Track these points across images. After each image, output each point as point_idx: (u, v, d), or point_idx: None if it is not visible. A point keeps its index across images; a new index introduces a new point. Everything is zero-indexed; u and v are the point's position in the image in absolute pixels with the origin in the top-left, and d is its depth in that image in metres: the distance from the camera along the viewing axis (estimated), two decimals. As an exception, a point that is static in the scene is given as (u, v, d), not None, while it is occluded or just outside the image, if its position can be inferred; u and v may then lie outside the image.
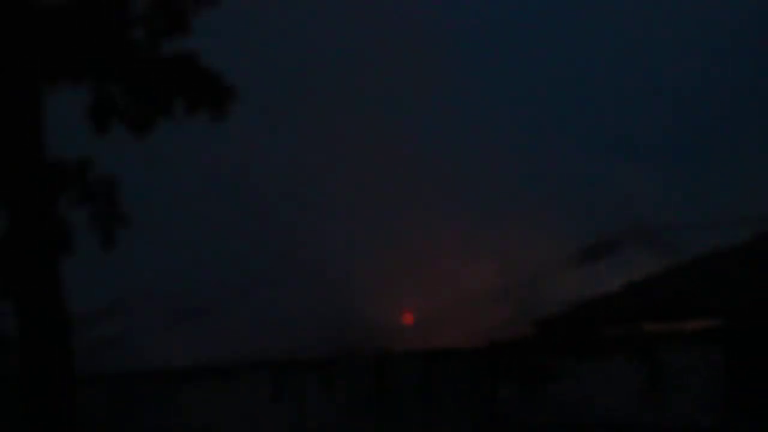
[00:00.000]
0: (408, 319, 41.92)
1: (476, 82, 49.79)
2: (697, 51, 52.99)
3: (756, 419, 25.92)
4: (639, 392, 27.65)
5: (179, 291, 39.76)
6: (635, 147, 52.61)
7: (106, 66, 15.17)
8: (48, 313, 15.24)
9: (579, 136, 49.37)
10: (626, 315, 28.69)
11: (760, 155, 48.65)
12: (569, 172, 46.60)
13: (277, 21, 46.81)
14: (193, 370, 35.05)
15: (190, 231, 42.58)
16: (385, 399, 32.39)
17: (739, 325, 26.23)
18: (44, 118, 15.32)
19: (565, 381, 28.89)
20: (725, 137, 50.02)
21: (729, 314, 26.58)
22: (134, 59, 15.22)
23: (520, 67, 51.36)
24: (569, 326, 30.03)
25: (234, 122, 15.80)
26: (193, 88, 15.26)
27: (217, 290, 40.11)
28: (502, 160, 46.89)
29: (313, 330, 36.96)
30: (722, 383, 26.31)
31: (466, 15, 51.04)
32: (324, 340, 35.88)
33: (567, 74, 53.59)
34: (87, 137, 15.47)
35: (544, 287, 38.23)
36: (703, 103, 51.92)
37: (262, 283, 40.29)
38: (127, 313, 39.59)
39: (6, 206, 15.42)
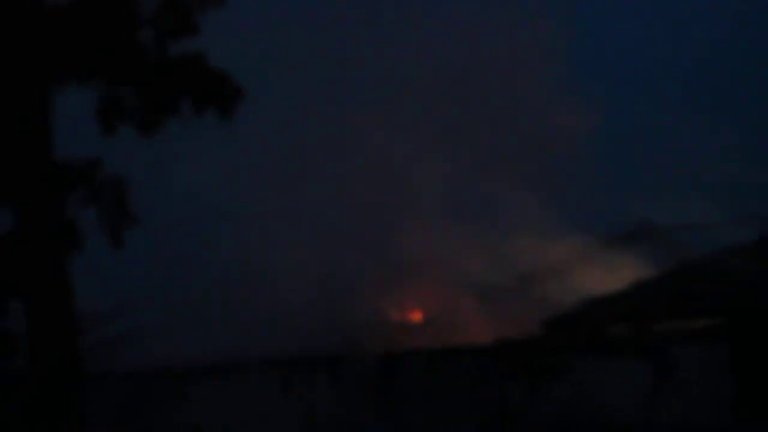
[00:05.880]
0: (416, 316, 41.86)
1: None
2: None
3: (763, 418, 25.94)
4: (646, 391, 27.66)
5: (186, 289, 39.75)
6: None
7: (114, 67, 15.20)
8: (57, 311, 15.27)
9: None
10: (634, 314, 28.74)
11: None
12: (578, 169, 46.51)
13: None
14: (202, 368, 35.05)
15: (196, 229, 42.60)
16: (393, 396, 32.42)
17: (747, 323, 26.26)
18: (53, 118, 15.37)
19: (572, 380, 28.92)
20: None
21: (736, 313, 26.62)
22: (142, 60, 15.26)
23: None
24: (577, 325, 30.07)
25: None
26: (200, 88, 15.29)
27: (224, 288, 40.07)
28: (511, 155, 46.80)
29: (321, 327, 36.92)
30: (729, 382, 26.35)
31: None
32: (331, 337, 35.86)
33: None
34: (98, 137, 15.53)
35: (553, 285, 38.15)
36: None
37: (270, 281, 40.23)
38: (135, 312, 39.59)
39: (16, 206, 15.46)
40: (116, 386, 34.16)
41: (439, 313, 40.71)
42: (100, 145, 15.95)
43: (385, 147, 44.99)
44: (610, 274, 35.21)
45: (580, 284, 36.44)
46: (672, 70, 54.25)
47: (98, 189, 16.23)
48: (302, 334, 34.83)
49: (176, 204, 42.30)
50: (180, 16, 15.38)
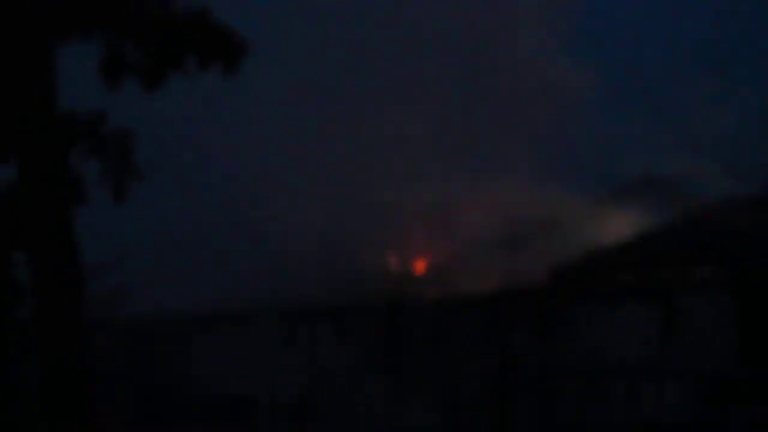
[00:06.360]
0: (420, 267, 42.03)
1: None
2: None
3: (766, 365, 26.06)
4: (652, 338, 27.80)
5: (190, 239, 39.88)
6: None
7: (117, 21, 15.14)
8: (61, 262, 15.26)
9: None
10: (640, 263, 28.82)
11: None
12: (584, 121, 46.68)
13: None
14: (206, 318, 35.19)
15: (201, 178, 42.67)
16: (398, 346, 32.55)
17: (752, 273, 26.33)
18: (55, 70, 15.31)
19: (578, 328, 29.05)
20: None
21: (741, 263, 26.68)
22: (146, 14, 15.19)
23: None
24: (583, 274, 30.15)
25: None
26: (204, 43, 15.24)
27: (228, 238, 40.23)
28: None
29: (326, 278, 37.05)
30: (735, 329, 26.46)
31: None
32: (336, 289, 35.98)
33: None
34: (103, 92, 15.51)
35: (559, 235, 38.27)
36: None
37: (274, 231, 40.40)
38: (137, 263, 39.70)
39: (18, 157, 15.44)
40: (121, 334, 34.32)
41: (443, 263, 40.85)
42: (105, 99, 15.94)
43: (389, 103, 45.07)
44: (615, 225, 35.28)
45: (585, 235, 36.56)
46: (677, 27, 54.29)
47: (102, 142, 16.24)
48: (306, 285, 34.96)
49: (186, 159, 42.44)
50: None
